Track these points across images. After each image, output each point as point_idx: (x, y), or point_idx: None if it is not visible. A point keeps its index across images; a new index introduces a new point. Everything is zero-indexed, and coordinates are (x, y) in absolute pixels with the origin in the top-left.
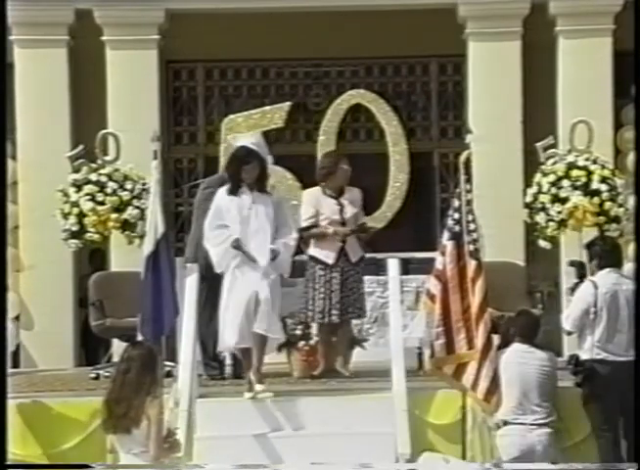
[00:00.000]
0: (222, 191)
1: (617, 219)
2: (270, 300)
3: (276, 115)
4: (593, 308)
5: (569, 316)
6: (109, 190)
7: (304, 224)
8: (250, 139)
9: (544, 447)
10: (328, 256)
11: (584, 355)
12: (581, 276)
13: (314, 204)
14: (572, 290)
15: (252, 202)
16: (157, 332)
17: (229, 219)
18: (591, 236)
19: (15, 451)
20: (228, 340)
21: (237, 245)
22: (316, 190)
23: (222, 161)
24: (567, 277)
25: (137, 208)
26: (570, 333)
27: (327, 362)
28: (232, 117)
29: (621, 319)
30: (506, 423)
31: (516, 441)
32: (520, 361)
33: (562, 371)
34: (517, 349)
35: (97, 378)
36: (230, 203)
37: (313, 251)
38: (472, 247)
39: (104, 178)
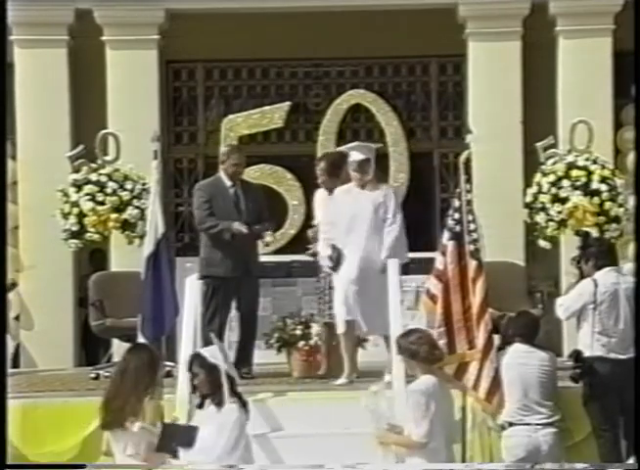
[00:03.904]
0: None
1: (617, 219)
2: None
3: (276, 115)
4: (592, 306)
5: (562, 305)
6: (109, 190)
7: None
8: (208, 351)
9: (550, 447)
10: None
11: (584, 353)
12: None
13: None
14: (578, 261)
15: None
16: (157, 332)
17: None
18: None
19: (15, 451)
20: None
21: None
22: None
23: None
24: (566, 277)
25: (137, 208)
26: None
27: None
28: (232, 117)
29: (621, 318)
30: (511, 424)
31: (522, 441)
32: (520, 362)
33: (562, 371)
34: (517, 349)
35: (97, 378)
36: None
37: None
38: (472, 247)
39: (104, 178)
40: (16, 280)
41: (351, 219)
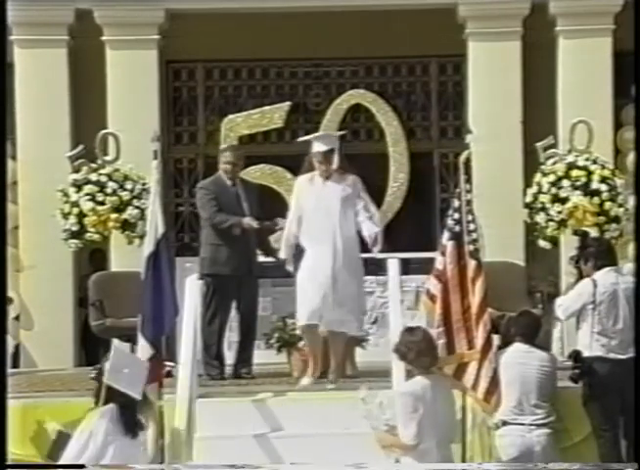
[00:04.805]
0: None
1: (617, 219)
2: None
3: (276, 115)
4: (591, 306)
5: (561, 305)
6: (109, 190)
7: None
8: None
9: (543, 448)
10: None
11: (584, 354)
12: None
13: None
14: (577, 261)
15: None
16: (157, 332)
17: None
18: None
19: (15, 451)
20: None
21: None
22: None
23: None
24: (566, 277)
25: (137, 208)
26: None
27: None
28: (232, 117)
29: (621, 318)
30: (505, 423)
31: (515, 441)
32: (520, 362)
33: (562, 371)
34: (517, 349)
35: None
36: None
37: None
38: (471, 247)
39: (104, 178)
40: (11, 297)
41: (316, 213)
